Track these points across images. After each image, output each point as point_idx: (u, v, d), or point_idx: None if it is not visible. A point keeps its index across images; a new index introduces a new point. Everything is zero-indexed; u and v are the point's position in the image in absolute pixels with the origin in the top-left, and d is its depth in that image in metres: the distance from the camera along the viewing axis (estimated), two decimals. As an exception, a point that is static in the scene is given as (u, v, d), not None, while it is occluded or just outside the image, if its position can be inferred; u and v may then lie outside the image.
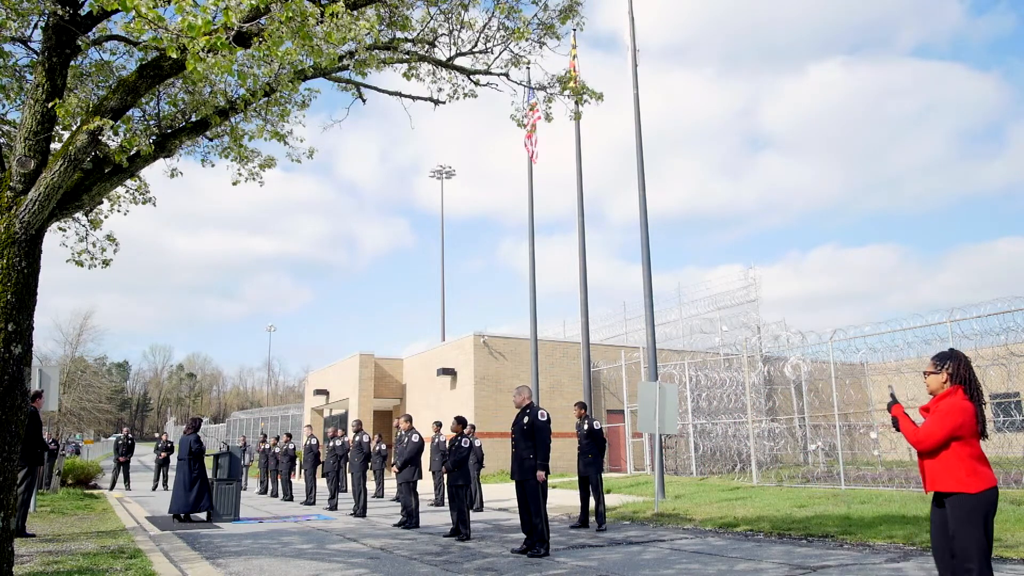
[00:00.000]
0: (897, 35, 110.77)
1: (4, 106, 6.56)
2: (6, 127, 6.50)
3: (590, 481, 10.57)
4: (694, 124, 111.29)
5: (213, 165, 7.30)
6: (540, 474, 7.99)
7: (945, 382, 4.16)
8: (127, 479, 21.66)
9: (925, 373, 4.29)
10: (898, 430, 4.32)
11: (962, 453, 4.01)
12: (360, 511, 12.95)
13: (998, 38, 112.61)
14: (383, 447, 16.67)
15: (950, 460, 4.03)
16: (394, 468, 11.71)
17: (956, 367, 4.15)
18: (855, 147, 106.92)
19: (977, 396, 4.10)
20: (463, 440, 9.94)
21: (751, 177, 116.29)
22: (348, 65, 6.11)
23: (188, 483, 11.91)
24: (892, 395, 4.56)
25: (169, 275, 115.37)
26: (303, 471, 17.91)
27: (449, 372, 23.26)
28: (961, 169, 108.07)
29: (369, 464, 14.12)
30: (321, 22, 4.41)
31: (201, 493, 11.87)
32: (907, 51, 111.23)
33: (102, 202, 6.60)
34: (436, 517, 12.41)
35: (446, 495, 11.73)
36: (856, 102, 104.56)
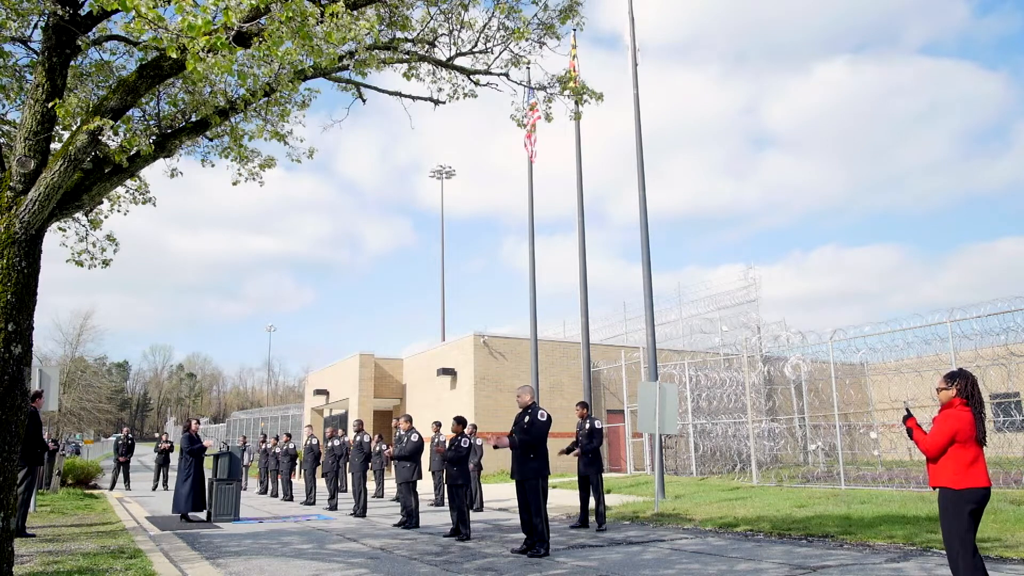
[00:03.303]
0: (903, 34, 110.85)
1: (4, 106, 6.56)
2: (6, 127, 6.50)
3: (590, 481, 10.57)
4: (697, 123, 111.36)
5: (213, 165, 7.30)
6: (501, 438, 8.14)
7: (954, 397, 4.76)
8: (127, 479, 21.66)
9: (938, 389, 4.89)
10: (911, 439, 4.97)
11: (957, 456, 4.61)
12: (360, 511, 12.95)
13: (1003, 37, 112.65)
14: (383, 447, 16.67)
15: (947, 461, 4.64)
16: (389, 452, 11.78)
17: (964, 385, 4.75)
18: (859, 146, 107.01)
19: (978, 408, 4.68)
20: (463, 440, 9.96)
21: (754, 176, 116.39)
22: (348, 65, 6.11)
23: (179, 483, 12.14)
24: (908, 410, 5.20)
25: (169, 275, 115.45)
26: (303, 471, 17.92)
27: (449, 372, 23.26)
28: (965, 168, 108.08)
29: (369, 464, 14.12)
30: (321, 22, 4.41)
31: (189, 493, 11.91)
32: (913, 49, 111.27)
33: (102, 202, 6.60)
34: (436, 517, 12.41)
35: (446, 495, 11.73)
36: (861, 101, 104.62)
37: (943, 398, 4.81)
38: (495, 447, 8.30)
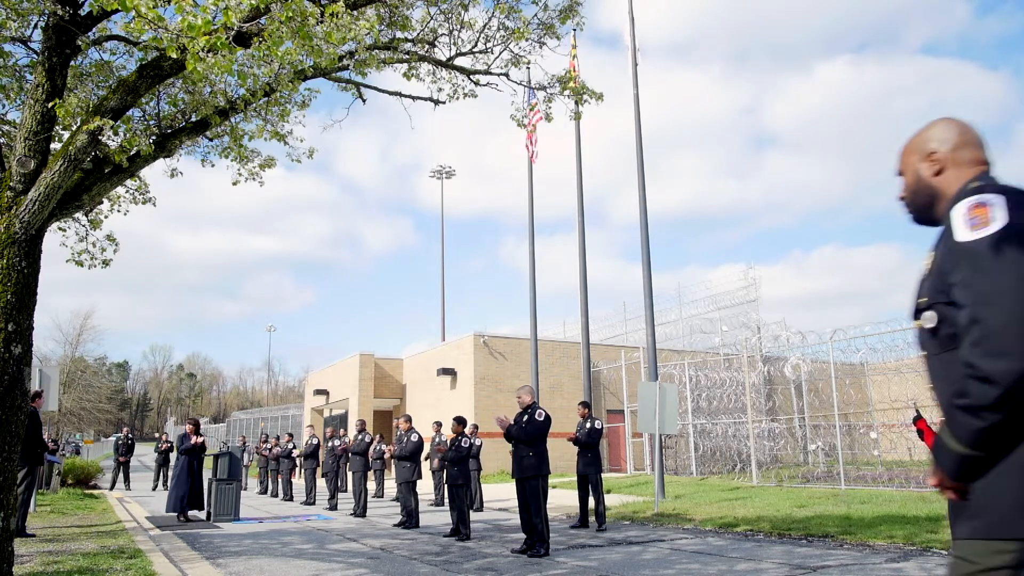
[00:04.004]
0: (904, 33, 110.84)
1: (4, 106, 6.57)
2: (6, 127, 6.50)
3: (589, 480, 10.57)
4: (697, 123, 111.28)
5: (213, 165, 7.31)
6: (505, 422, 8.23)
7: None
8: (127, 479, 21.67)
9: None
10: (922, 440, 5.01)
11: None
12: (360, 511, 12.95)
13: (1004, 37, 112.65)
14: (383, 447, 16.67)
15: None
16: (390, 450, 11.85)
17: None
18: (860, 146, 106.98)
19: None
20: (463, 440, 9.96)
21: (755, 176, 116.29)
22: (348, 65, 6.11)
23: (170, 482, 12.24)
24: (917, 412, 5.24)
25: (169, 275, 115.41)
26: (303, 471, 17.93)
27: (449, 372, 23.26)
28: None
29: (369, 464, 14.13)
30: (321, 22, 4.41)
31: (175, 492, 11.95)
32: (915, 49, 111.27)
33: (102, 202, 6.60)
34: (436, 517, 12.41)
35: (446, 495, 11.74)
36: (862, 101, 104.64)
37: None
38: (499, 425, 8.36)
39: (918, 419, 5.12)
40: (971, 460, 1.53)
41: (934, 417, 5.75)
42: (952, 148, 1.90)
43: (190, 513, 11.99)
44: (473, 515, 11.92)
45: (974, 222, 1.63)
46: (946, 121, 1.95)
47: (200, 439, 12.26)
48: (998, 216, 1.60)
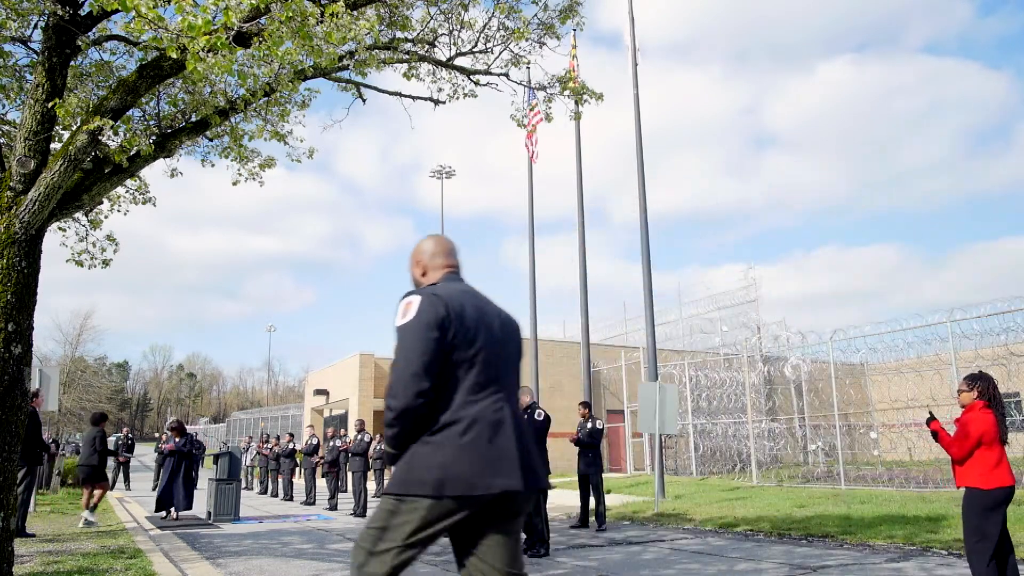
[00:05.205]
0: (905, 33, 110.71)
1: (4, 106, 6.57)
2: (6, 127, 6.50)
3: (590, 481, 10.56)
4: (698, 123, 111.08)
5: (213, 165, 7.31)
6: None
7: (975, 399, 4.88)
8: (127, 479, 21.68)
9: (959, 391, 5.03)
10: (937, 441, 5.07)
11: (984, 457, 4.74)
12: (360, 511, 12.95)
13: (1005, 37, 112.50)
14: (382, 447, 16.66)
15: (973, 462, 4.76)
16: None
17: (985, 387, 4.89)
18: (861, 145, 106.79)
19: (999, 409, 4.81)
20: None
21: (755, 176, 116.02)
22: (348, 65, 6.11)
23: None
24: (931, 414, 5.34)
25: (169, 275, 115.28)
26: (303, 471, 17.93)
27: (449, 372, 23.24)
28: (967, 168, 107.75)
29: (370, 464, 14.12)
30: (321, 22, 4.41)
31: (163, 491, 11.97)
32: (915, 49, 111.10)
33: (102, 202, 6.60)
34: (436, 517, 12.39)
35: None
36: (862, 100, 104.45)
37: (964, 400, 4.92)
38: None
39: (931, 420, 5.18)
40: (391, 456, 2.54)
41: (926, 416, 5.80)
42: (430, 257, 2.74)
43: (182, 513, 11.98)
44: (473, 515, 11.91)
45: (403, 313, 2.47)
46: (432, 237, 2.80)
47: (169, 446, 12.24)
48: (411, 312, 2.45)
